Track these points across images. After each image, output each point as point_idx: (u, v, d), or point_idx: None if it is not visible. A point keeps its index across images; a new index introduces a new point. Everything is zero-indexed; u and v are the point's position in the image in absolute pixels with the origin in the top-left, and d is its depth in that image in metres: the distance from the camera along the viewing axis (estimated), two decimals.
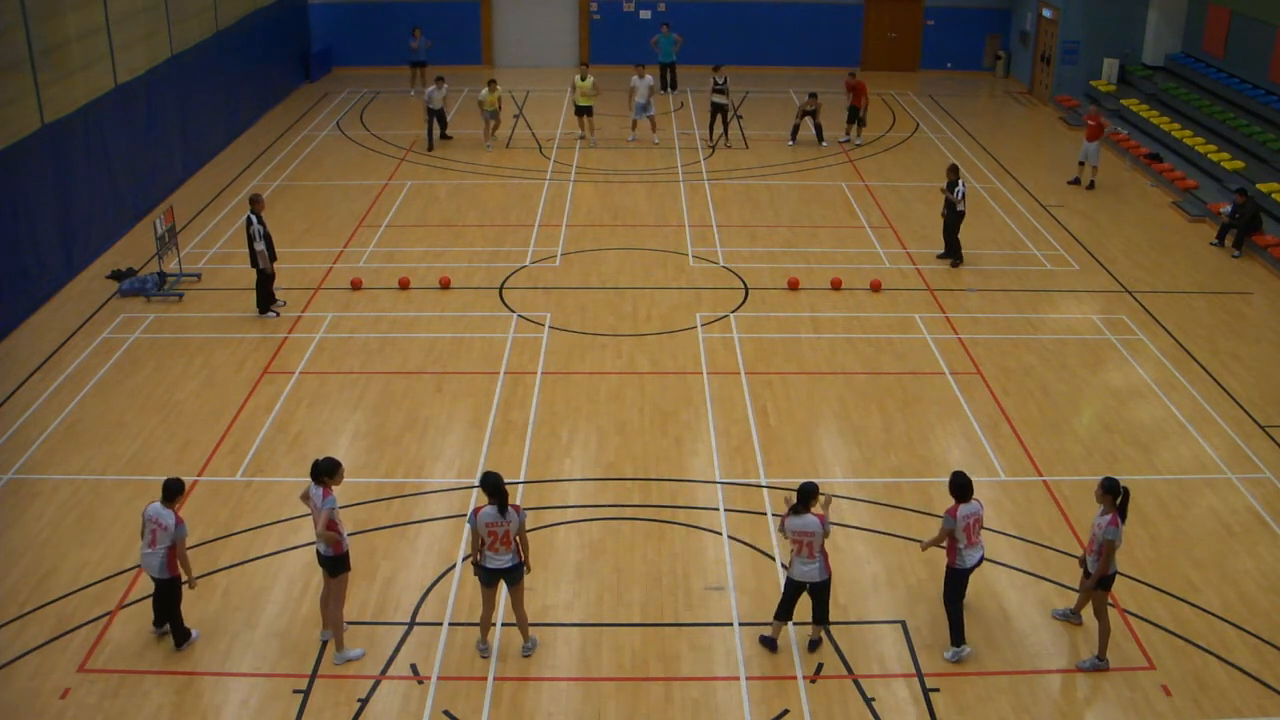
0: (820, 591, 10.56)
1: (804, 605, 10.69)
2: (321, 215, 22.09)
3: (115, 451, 13.93)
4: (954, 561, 10.58)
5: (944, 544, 10.66)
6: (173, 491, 10.39)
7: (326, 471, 10.29)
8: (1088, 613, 10.94)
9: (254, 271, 17.47)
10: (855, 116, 27.03)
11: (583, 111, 26.65)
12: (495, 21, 34.97)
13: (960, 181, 19.56)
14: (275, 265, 17.55)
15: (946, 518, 10.48)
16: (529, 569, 10.61)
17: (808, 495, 10.33)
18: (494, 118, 26.17)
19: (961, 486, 10.53)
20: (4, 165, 17.01)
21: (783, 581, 11.08)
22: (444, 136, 26.67)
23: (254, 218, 17.15)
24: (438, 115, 26.16)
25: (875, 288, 18.55)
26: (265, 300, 17.58)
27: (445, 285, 18.64)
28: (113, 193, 20.56)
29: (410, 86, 31.63)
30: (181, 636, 10.71)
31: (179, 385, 15.57)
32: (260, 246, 17.10)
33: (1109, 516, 10.35)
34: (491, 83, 25.92)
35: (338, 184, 23.98)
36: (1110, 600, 10.82)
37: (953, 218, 19.69)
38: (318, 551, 10.48)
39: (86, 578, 11.67)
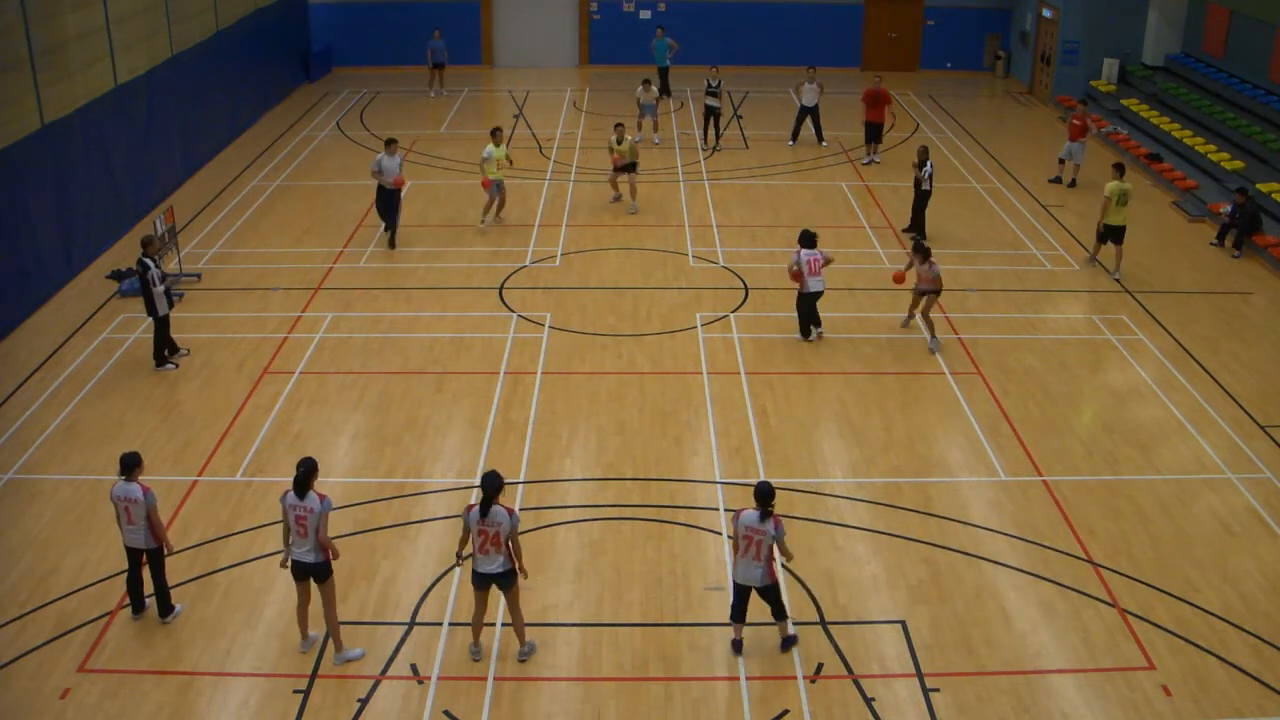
0: (768, 594, 10.47)
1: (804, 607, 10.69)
2: (321, 215, 22.10)
3: (115, 451, 13.85)
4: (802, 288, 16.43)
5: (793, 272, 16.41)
6: (130, 465, 10.67)
7: (314, 472, 10.22)
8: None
9: (150, 322, 15.90)
10: (875, 134, 25.46)
11: (623, 169, 22.54)
12: (495, 21, 34.99)
13: (929, 162, 20.51)
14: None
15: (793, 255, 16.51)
16: (524, 574, 10.46)
17: (767, 497, 10.18)
18: (499, 192, 21.30)
19: (805, 236, 16.64)
20: (4, 165, 17.01)
21: (730, 582, 10.95)
22: (391, 241, 20.40)
23: (150, 261, 15.50)
24: (394, 198, 20.28)
25: (898, 280, 16.88)
26: (166, 348, 15.96)
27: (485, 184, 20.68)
28: (113, 193, 20.56)
29: (429, 88, 31.70)
30: (166, 609, 10.98)
31: (179, 385, 15.57)
32: (161, 290, 15.60)
33: (927, 265, 16.28)
34: (495, 131, 21.27)
35: (338, 184, 23.98)
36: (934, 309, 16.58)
37: (920, 196, 20.74)
38: (301, 562, 10.26)
39: (86, 578, 11.68)
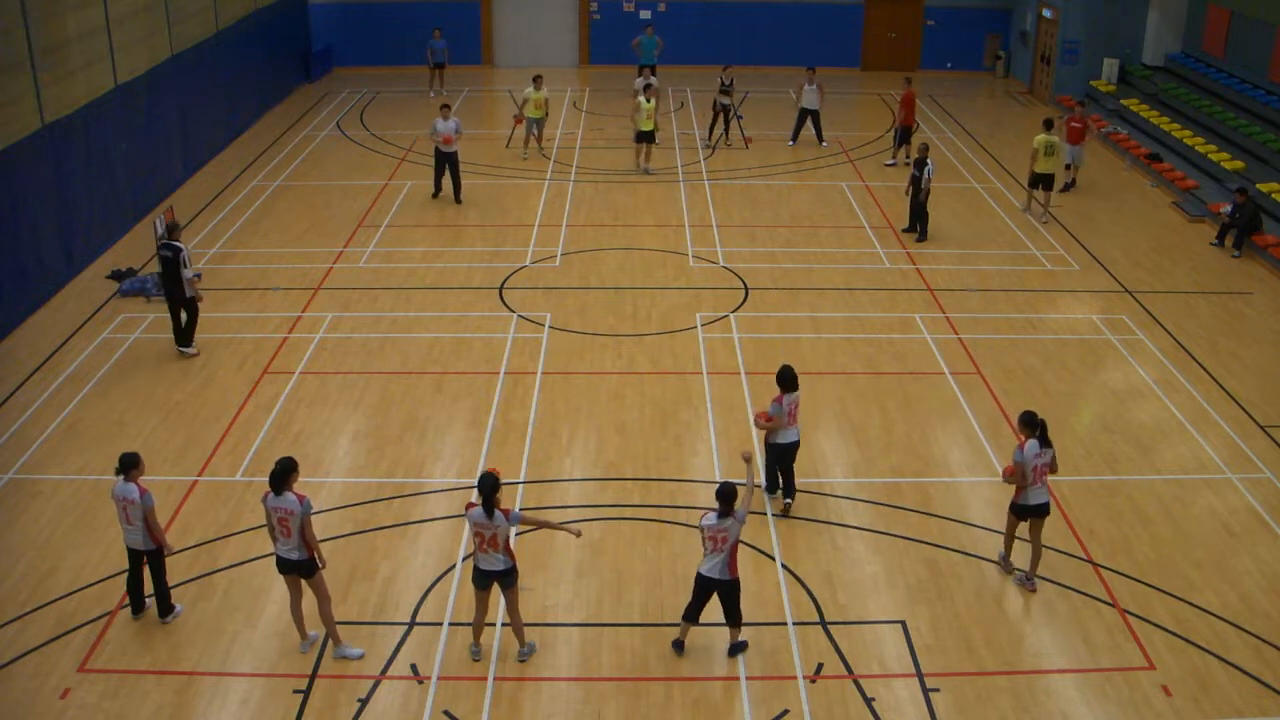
0: (728, 592, 10.41)
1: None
2: (321, 215, 22.10)
3: (115, 451, 13.77)
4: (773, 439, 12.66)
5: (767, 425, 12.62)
6: (127, 465, 10.67)
7: (291, 471, 10.20)
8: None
9: (169, 308, 16.18)
10: (902, 137, 25.31)
11: (644, 138, 24.56)
12: (495, 21, 34.98)
13: (929, 161, 20.67)
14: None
15: (774, 405, 12.46)
16: (558, 527, 10.65)
17: (729, 497, 10.14)
18: (537, 126, 25.63)
19: (786, 378, 12.51)
20: (4, 165, 17.00)
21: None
22: (456, 197, 22.69)
23: (180, 246, 15.78)
24: (449, 161, 22.36)
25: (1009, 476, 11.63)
26: (191, 332, 16.29)
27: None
28: (113, 193, 20.56)
29: (429, 88, 31.70)
30: (166, 609, 11.01)
31: (179, 385, 15.57)
32: (190, 275, 15.87)
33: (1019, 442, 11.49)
34: (537, 78, 25.41)
35: (338, 184, 23.98)
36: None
37: (922, 195, 20.80)
38: (286, 560, 10.28)
39: (86, 578, 11.67)
